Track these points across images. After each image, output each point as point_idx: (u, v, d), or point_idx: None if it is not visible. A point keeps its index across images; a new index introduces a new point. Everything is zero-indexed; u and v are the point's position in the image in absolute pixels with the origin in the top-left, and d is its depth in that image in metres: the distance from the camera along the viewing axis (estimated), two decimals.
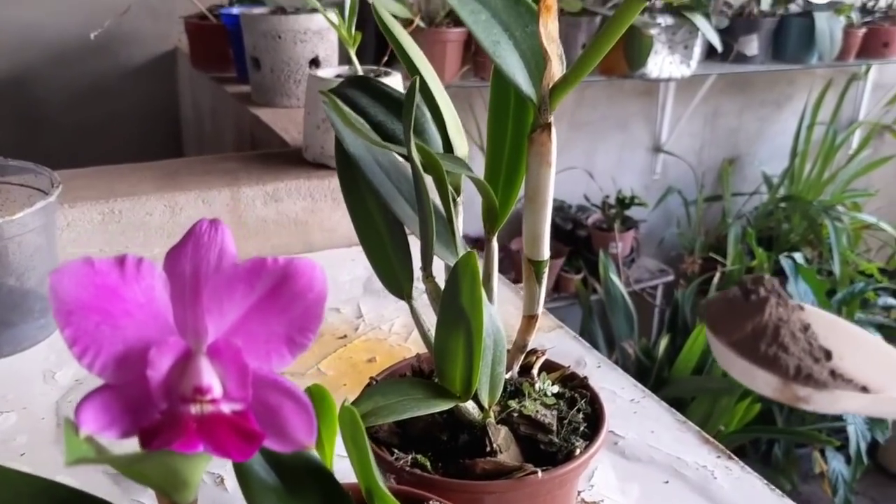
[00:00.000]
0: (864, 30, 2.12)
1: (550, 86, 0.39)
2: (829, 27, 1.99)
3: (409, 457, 0.42)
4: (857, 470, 1.72)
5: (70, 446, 0.23)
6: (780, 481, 1.83)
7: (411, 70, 0.46)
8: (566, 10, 1.66)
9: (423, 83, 0.46)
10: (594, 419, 0.45)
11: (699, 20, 1.69)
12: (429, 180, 0.42)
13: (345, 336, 0.72)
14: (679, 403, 1.52)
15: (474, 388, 0.41)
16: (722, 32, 2.00)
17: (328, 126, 0.89)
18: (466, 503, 0.41)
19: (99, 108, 1.69)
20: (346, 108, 0.42)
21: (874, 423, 1.67)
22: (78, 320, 0.24)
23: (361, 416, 0.32)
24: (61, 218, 0.78)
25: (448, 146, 0.47)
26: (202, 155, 1.59)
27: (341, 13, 0.94)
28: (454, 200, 0.48)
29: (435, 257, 0.43)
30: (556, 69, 0.39)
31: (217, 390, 0.24)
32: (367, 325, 0.74)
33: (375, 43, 1.78)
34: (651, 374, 1.78)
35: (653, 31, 1.71)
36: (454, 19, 1.69)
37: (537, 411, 0.44)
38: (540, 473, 0.41)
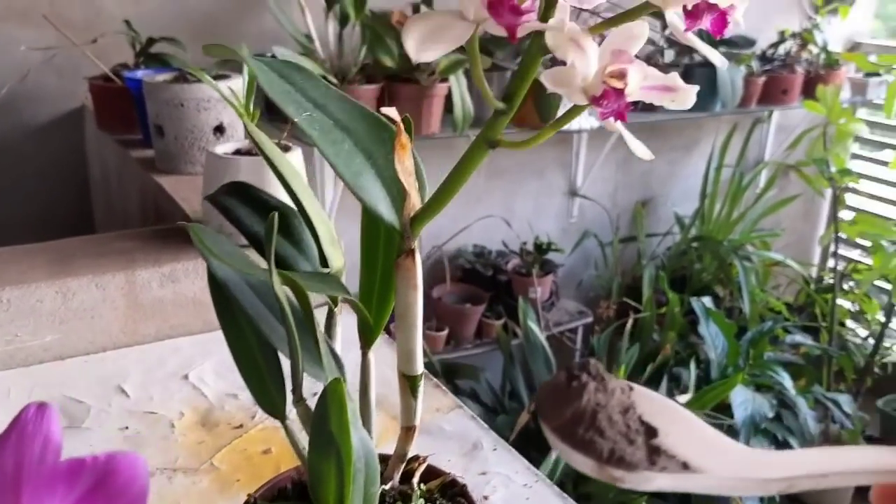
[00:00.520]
0: (763, 78, 2.22)
1: (411, 216, 0.40)
2: (730, 77, 2.08)
3: None
4: None
5: None
6: None
7: (284, 185, 0.47)
8: None
9: (295, 196, 0.47)
10: None
11: None
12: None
13: (241, 426, 0.71)
14: None
15: None
16: None
17: None
18: None
19: (2, 172, 1.64)
20: (209, 239, 0.42)
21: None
22: None
23: None
24: None
25: (323, 259, 0.47)
26: (111, 217, 1.56)
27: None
28: (331, 313, 0.49)
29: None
30: (416, 201, 0.39)
31: None
32: (264, 412, 0.73)
33: None
34: None
35: None
36: (366, 75, 1.70)
37: None
38: None
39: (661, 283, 2.12)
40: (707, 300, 1.88)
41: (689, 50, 2.11)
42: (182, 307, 0.86)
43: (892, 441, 2.22)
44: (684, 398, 1.67)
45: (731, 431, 1.74)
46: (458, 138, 1.74)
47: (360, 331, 0.46)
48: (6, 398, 0.74)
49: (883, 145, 2.66)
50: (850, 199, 2.59)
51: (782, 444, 1.84)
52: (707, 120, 2.45)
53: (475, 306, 2.21)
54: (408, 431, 0.47)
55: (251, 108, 0.96)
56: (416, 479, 0.48)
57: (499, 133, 0.34)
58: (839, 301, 2.43)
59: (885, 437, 2.36)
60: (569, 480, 1.53)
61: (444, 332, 2.17)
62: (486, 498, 0.62)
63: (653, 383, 1.84)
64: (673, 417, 0.27)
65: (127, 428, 0.71)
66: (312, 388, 0.44)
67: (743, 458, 0.26)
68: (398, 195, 0.40)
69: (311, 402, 0.43)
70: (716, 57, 0.32)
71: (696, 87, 0.33)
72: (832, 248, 2.40)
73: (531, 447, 1.38)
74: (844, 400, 2.06)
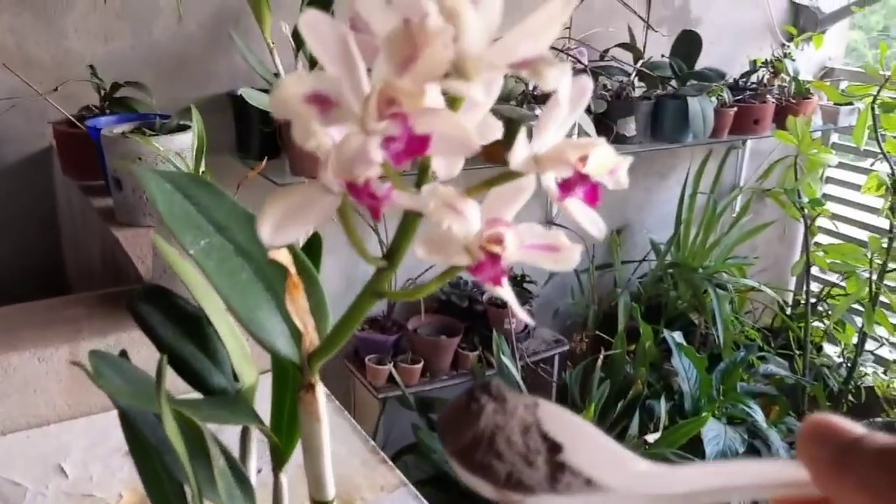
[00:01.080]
0: (735, 108, 2.23)
1: (309, 352, 0.39)
2: (701, 108, 2.09)
3: None
4: None
5: None
6: None
7: (193, 294, 0.47)
8: None
9: (204, 313, 0.46)
10: None
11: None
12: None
13: None
14: None
15: None
16: (602, 115, 2.08)
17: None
18: None
19: None
20: (109, 369, 0.41)
21: None
22: None
23: None
24: None
25: (235, 375, 0.47)
26: (79, 264, 1.55)
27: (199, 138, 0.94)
28: (246, 432, 0.48)
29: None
30: (313, 338, 0.39)
31: None
32: None
33: (260, 138, 1.77)
34: None
35: (532, 123, 1.75)
36: None
37: None
38: None
39: (635, 314, 2.12)
40: (678, 335, 1.88)
41: (660, 81, 2.12)
42: None
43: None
44: (653, 437, 1.67)
45: None
46: None
47: (271, 453, 0.46)
48: None
49: (856, 169, 2.67)
50: (825, 222, 2.60)
51: None
52: (682, 148, 2.46)
53: (450, 338, 2.20)
54: None
55: (200, 168, 0.96)
56: None
57: (384, 286, 0.34)
58: (815, 324, 2.44)
59: None
60: None
61: (420, 365, 2.17)
62: None
63: (625, 417, 1.84)
64: (578, 433, 0.27)
65: None
66: None
67: (647, 474, 0.26)
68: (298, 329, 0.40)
69: None
70: (594, 229, 0.32)
71: (580, 247, 0.33)
72: (805, 278, 2.41)
73: None
74: None
